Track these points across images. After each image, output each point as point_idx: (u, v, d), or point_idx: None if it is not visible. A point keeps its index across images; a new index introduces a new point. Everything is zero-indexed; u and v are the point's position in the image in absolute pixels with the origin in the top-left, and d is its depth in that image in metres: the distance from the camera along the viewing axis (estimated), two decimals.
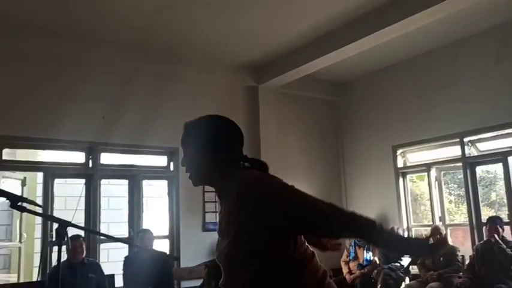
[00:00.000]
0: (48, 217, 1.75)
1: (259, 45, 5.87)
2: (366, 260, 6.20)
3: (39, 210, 1.86)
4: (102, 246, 5.48)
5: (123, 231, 5.91)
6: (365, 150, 7.05)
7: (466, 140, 5.90)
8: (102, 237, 5.37)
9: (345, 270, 6.34)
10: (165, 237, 5.86)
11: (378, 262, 6.13)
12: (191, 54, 5.97)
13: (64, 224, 1.79)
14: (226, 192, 1.60)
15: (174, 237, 5.83)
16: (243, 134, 1.74)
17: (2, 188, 1.64)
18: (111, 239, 2.10)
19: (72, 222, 1.85)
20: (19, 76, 5.00)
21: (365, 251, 6.24)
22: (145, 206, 6.02)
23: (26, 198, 1.71)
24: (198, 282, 5.46)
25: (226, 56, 6.13)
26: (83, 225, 4.87)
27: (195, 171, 1.65)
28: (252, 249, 1.49)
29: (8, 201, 1.67)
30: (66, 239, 1.75)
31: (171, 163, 6.02)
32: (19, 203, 1.68)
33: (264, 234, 1.48)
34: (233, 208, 1.54)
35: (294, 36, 5.63)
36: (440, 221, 6.14)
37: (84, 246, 4.66)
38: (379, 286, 5.68)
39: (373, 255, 6.22)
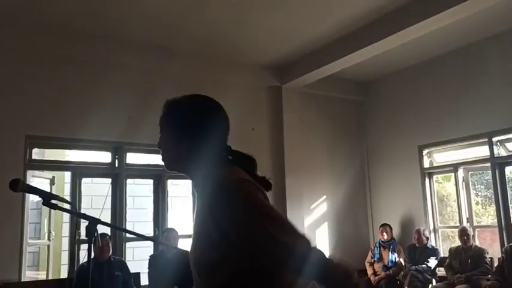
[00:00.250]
0: (78, 215, 1.78)
1: (282, 45, 5.86)
2: (391, 261, 6.13)
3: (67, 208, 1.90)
4: (128, 244, 5.55)
5: (148, 230, 5.98)
6: (390, 151, 6.97)
7: (494, 139, 5.78)
8: (128, 235, 5.44)
9: (369, 271, 6.27)
10: (189, 236, 5.90)
11: (403, 264, 6.05)
12: (215, 55, 6.00)
13: (94, 222, 1.82)
14: (200, 188, 1.42)
15: None
16: (228, 121, 1.52)
17: (35, 186, 1.68)
18: (139, 236, 2.13)
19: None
20: (47, 78, 5.10)
21: (390, 252, 6.16)
22: (170, 205, 6.07)
23: (58, 196, 1.75)
24: None
25: (250, 56, 6.14)
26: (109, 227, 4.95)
27: (168, 156, 1.46)
28: (215, 259, 1.31)
29: (40, 198, 1.71)
30: (96, 235, 1.78)
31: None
32: (51, 201, 1.72)
33: (227, 246, 1.29)
34: (204, 210, 1.35)
35: (317, 36, 5.60)
36: (467, 222, 6.03)
37: (110, 244, 4.74)
38: None
39: (399, 256, 6.14)
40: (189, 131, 1.42)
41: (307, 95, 6.89)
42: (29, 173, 4.97)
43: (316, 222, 6.76)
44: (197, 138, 1.41)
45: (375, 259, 6.29)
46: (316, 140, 6.97)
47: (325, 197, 6.91)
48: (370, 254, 6.42)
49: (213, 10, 4.86)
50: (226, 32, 5.41)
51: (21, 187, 1.59)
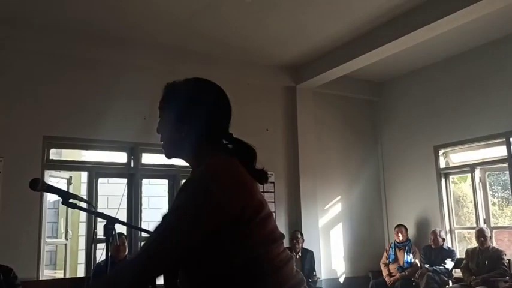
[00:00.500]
0: (97, 214, 1.80)
1: (297, 45, 5.86)
2: (407, 262, 6.08)
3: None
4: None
5: None
6: (405, 151, 6.92)
7: None
8: (144, 235, 5.48)
9: (384, 272, 6.23)
10: None
11: (419, 264, 6.00)
12: (229, 55, 6.03)
13: (112, 221, 1.84)
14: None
15: None
16: (230, 108, 1.44)
17: (55, 186, 1.71)
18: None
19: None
20: (64, 80, 5.17)
21: (405, 253, 6.12)
22: None
23: (76, 195, 1.77)
24: None
25: (265, 56, 6.15)
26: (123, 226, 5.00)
27: (168, 140, 1.38)
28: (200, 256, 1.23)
29: (59, 198, 1.73)
30: (114, 233, 1.80)
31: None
32: (70, 200, 1.74)
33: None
34: None
35: (332, 36, 5.59)
36: (484, 223, 5.95)
37: (126, 244, 4.78)
38: None
39: (414, 257, 6.09)
40: (190, 114, 1.35)
41: (321, 95, 6.88)
42: (47, 173, 5.05)
43: (330, 222, 6.74)
44: (198, 122, 1.34)
45: (390, 260, 6.25)
46: (331, 140, 6.95)
47: (339, 197, 6.89)
48: (385, 254, 6.38)
49: (227, 11, 4.88)
50: (240, 33, 5.43)
51: (41, 186, 1.62)
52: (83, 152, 6.12)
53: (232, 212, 1.19)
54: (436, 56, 6.34)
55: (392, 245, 6.32)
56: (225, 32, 5.40)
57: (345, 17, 5.11)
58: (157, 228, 1.22)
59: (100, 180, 5.50)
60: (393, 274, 6.12)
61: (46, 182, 1.66)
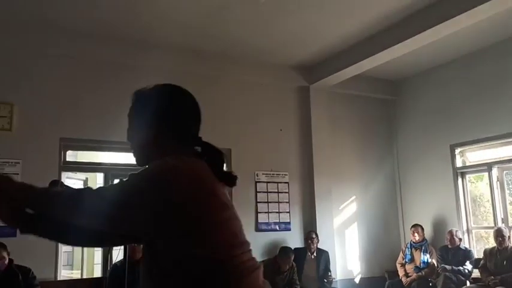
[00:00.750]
0: None
1: (310, 44, 5.84)
2: (423, 262, 6.02)
3: None
4: None
5: None
6: (421, 150, 6.85)
7: None
8: None
9: (400, 272, 6.18)
10: None
11: (436, 264, 5.94)
12: (243, 55, 6.03)
13: None
14: None
15: None
16: (200, 112, 1.47)
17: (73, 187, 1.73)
18: None
19: None
20: (79, 81, 5.23)
21: (422, 253, 6.06)
22: None
23: None
24: None
25: (278, 56, 6.14)
26: None
27: (138, 148, 1.40)
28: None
29: None
30: None
31: (224, 164, 6.08)
32: None
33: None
34: None
35: (345, 35, 5.56)
36: (502, 223, 5.87)
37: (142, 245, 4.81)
38: None
39: (431, 257, 6.03)
40: (158, 120, 1.36)
41: (335, 94, 6.85)
42: (64, 174, 5.11)
43: (345, 222, 6.71)
44: (166, 127, 1.36)
45: (406, 260, 6.19)
46: (345, 140, 6.91)
47: (354, 197, 6.85)
48: (401, 254, 6.32)
49: (241, 12, 4.89)
50: (254, 34, 5.43)
51: (60, 187, 1.64)
52: (99, 153, 6.17)
53: (180, 202, 1.17)
54: (453, 54, 6.26)
55: (409, 245, 6.26)
56: (239, 33, 5.40)
57: (359, 15, 5.08)
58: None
59: (115, 181, 5.54)
60: (410, 274, 6.07)
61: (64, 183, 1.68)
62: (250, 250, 1.33)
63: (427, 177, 6.71)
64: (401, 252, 6.37)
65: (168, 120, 1.37)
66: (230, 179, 1.38)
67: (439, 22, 4.79)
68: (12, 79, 4.88)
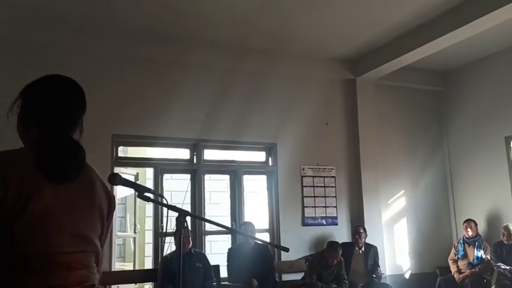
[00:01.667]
0: (169, 206, 1.87)
1: (355, 37, 5.75)
2: (477, 258, 5.83)
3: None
4: (207, 238, 5.73)
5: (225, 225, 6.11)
6: (474, 142, 6.61)
7: None
8: (207, 229, 5.62)
9: (453, 269, 6.01)
10: (265, 230, 5.99)
11: (490, 261, 5.73)
12: (287, 50, 6.02)
13: (184, 214, 1.90)
14: None
15: (274, 231, 5.94)
16: (60, 103, 1.46)
17: (131, 180, 1.79)
18: (228, 229, 2.22)
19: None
20: (130, 80, 5.39)
21: (475, 249, 5.86)
22: (246, 200, 6.17)
23: (151, 189, 1.85)
24: (299, 276, 5.51)
25: (323, 50, 6.09)
26: (189, 218, 5.14)
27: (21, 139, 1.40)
28: None
29: (134, 192, 1.81)
30: (186, 225, 1.86)
31: (270, 158, 6.12)
32: (145, 194, 1.82)
33: None
34: None
35: (393, 26, 5.43)
36: None
37: (190, 237, 4.91)
38: (493, 287, 5.30)
39: (485, 253, 5.82)
40: (20, 112, 1.36)
41: (382, 86, 6.72)
42: (116, 169, 5.27)
43: (394, 217, 6.58)
44: (30, 121, 1.36)
45: (459, 256, 6.01)
46: (393, 132, 6.77)
47: (403, 191, 6.71)
48: (453, 250, 6.14)
49: (285, 6, 4.87)
50: (299, 27, 5.40)
51: (119, 181, 1.70)
52: (148, 149, 6.35)
53: None
54: (506, 42, 6.01)
55: (461, 241, 6.07)
56: (283, 28, 5.39)
57: (407, 5, 4.95)
58: None
59: (164, 176, 5.68)
60: (462, 271, 5.89)
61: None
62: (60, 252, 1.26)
63: (480, 170, 6.47)
64: (453, 248, 6.18)
65: (31, 114, 1.37)
66: (54, 173, 1.29)
67: (492, 10, 4.59)
68: None
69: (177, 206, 1.94)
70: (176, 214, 1.95)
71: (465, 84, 6.87)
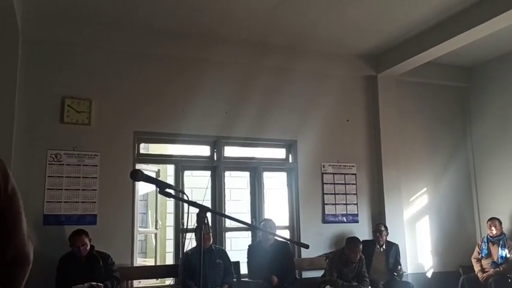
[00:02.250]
0: (190, 202, 1.89)
1: (377, 32, 5.69)
2: (501, 257, 5.71)
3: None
4: (227, 235, 5.76)
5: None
6: (499, 139, 6.48)
7: None
8: (227, 225, 5.65)
9: (476, 268, 5.90)
10: (285, 227, 5.99)
11: None
12: (308, 47, 5.99)
13: (204, 210, 1.92)
14: None
15: (294, 228, 5.93)
16: None
17: (152, 176, 1.81)
18: (248, 225, 2.22)
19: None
20: (151, 77, 5.44)
21: (500, 248, 5.75)
22: (266, 197, 6.18)
23: (172, 185, 1.87)
24: (319, 273, 5.49)
25: (344, 46, 6.04)
26: (209, 215, 5.17)
27: None
28: None
29: (157, 187, 1.84)
30: (206, 221, 1.88)
31: (290, 155, 6.11)
32: (166, 190, 1.84)
33: None
34: None
35: (414, 21, 5.35)
36: None
37: (211, 234, 4.94)
38: None
39: (510, 252, 5.71)
40: None
41: (404, 83, 6.64)
42: (137, 166, 5.34)
43: (416, 215, 6.50)
44: None
45: (483, 255, 5.90)
46: (415, 129, 6.69)
47: (425, 189, 6.62)
48: (477, 249, 6.04)
49: (306, 2, 4.85)
50: (319, 24, 5.37)
51: (141, 177, 1.72)
52: (169, 146, 6.41)
53: None
54: None
55: (485, 239, 5.96)
56: (304, 24, 5.37)
57: (427, 1, 4.87)
58: None
59: (185, 173, 5.73)
60: (486, 270, 5.79)
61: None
62: None
63: (505, 167, 6.34)
64: (477, 246, 6.08)
65: None
66: None
67: None
68: (90, 77, 5.17)
69: (199, 202, 1.95)
70: (197, 210, 1.97)
71: (490, 79, 6.73)
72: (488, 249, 5.87)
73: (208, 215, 1.97)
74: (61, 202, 4.85)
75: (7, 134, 4.58)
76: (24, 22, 4.79)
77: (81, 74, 5.14)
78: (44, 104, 4.95)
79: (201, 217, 1.93)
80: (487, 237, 5.95)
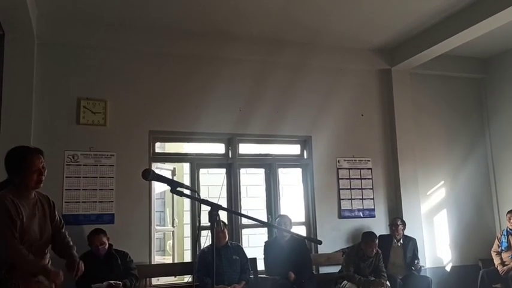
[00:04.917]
0: (201, 200, 1.91)
1: (391, 26, 5.63)
2: None
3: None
4: (243, 231, 5.78)
5: (261, 218, 6.13)
6: None
7: None
8: (243, 222, 5.67)
9: (496, 261, 5.82)
10: (302, 223, 5.98)
11: None
12: (322, 43, 5.97)
13: (216, 208, 1.94)
14: None
15: (310, 223, 5.92)
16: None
17: (163, 175, 1.84)
18: (261, 222, 2.23)
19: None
20: (166, 77, 5.48)
21: None
22: (281, 193, 6.19)
23: (183, 183, 1.89)
24: (336, 269, 5.48)
25: (358, 40, 6.00)
26: (223, 213, 5.18)
27: None
28: None
29: (168, 187, 1.86)
30: (218, 219, 1.89)
31: (305, 151, 6.10)
32: (177, 188, 1.86)
33: None
34: None
35: (429, 12, 5.28)
36: None
37: (226, 231, 4.96)
38: None
39: None
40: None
41: (419, 76, 6.56)
42: (153, 165, 5.40)
43: (433, 208, 6.44)
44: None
45: (503, 248, 5.82)
46: (431, 122, 6.61)
47: (443, 182, 6.54)
48: (496, 242, 5.95)
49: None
50: (332, 18, 5.34)
51: (152, 176, 1.75)
52: (185, 144, 6.45)
53: None
54: None
55: (505, 232, 5.88)
56: (317, 19, 5.34)
57: None
58: None
59: (201, 171, 5.76)
60: (506, 263, 5.70)
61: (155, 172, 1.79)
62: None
63: None
64: (496, 239, 5.99)
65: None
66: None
67: None
68: (105, 78, 5.24)
69: (213, 200, 1.97)
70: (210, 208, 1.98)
71: (507, 70, 6.61)
72: (508, 242, 5.79)
73: (222, 212, 1.98)
74: (79, 202, 4.93)
75: (25, 136, 4.67)
76: (39, 26, 4.87)
77: (95, 75, 5.20)
78: (60, 106, 5.03)
79: (212, 215, 1.95)
80: (507, 229, 5.86)
